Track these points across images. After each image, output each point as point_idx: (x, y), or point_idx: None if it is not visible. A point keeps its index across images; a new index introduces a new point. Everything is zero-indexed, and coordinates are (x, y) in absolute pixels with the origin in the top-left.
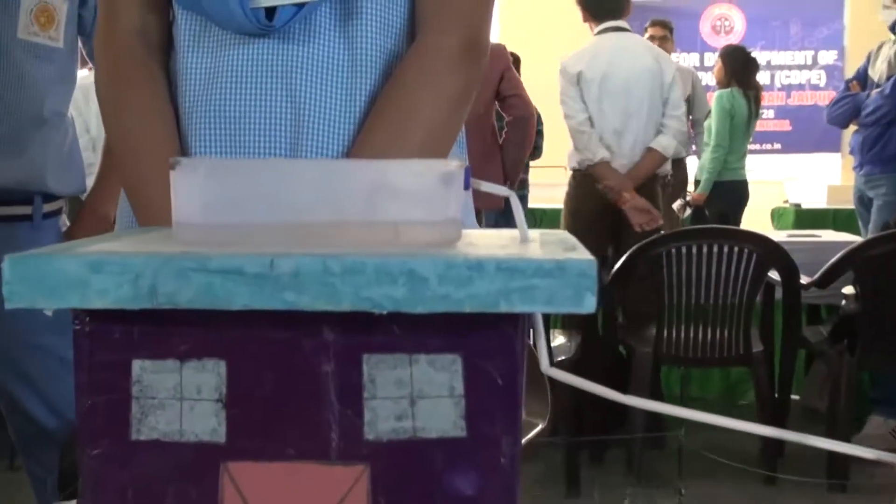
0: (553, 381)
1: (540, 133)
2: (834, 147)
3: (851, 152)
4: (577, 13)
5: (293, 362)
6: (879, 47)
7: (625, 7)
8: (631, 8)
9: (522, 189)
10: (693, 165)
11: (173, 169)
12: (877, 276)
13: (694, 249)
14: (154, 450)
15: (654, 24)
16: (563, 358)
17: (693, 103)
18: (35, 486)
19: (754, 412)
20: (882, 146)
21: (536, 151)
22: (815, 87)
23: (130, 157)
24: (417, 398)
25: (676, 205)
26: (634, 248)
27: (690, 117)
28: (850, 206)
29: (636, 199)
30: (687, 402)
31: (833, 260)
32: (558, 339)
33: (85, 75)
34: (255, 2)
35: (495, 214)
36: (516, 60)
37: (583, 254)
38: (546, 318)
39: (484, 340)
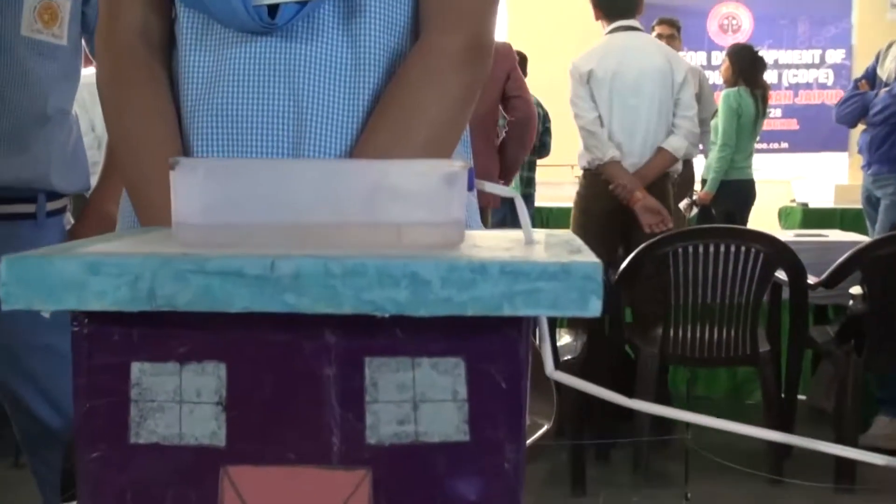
0: (559, 382)
1: (547, 130)
2: (841, 146)
3: (859, 151)
4: (585, 12)
5: (294, 365)
6: (889, 46)
7: (637, 6)
8: (643, 7)
9: (529, 188)
10: (700, 164)
11: (173, 169)
12: (884, 276)
13: (701, 249)
14: (153, 453)
15: (662, 22)
16: (569, 357)
17: (700, 102)
18: (39, 484)
19: (761, 412)
20: (890, 146)
21: (544, 149)
22: (823, 86)
23: (132, 157)
24: (420, 402)
25: (683, 204)
26: (641, 247)
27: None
28: (858, 205)
29: (647, 199)
30: (693, 401)
31: (840, 260)
32: (564, 339)
33: (90, 73)
34: None
35: (503, 210)
36: (523, 59)
37: (588, 256)
38: (552, 317)
39: (487, 344)
